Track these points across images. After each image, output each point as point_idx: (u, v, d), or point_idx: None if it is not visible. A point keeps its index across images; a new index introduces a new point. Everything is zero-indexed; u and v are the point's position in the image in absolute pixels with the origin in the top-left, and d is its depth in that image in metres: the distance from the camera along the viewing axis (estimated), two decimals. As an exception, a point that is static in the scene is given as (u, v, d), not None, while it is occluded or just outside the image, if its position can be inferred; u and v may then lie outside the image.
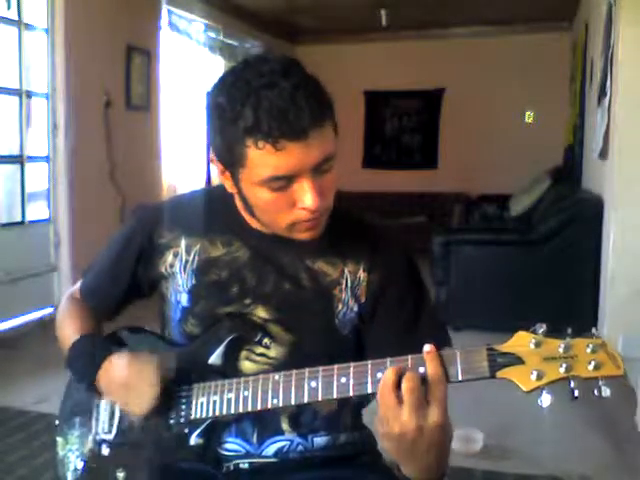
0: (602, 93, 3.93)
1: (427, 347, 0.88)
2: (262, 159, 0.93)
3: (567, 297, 3.98)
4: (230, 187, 1.04)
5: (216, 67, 6.42)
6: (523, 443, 2.67)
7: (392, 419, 0.86)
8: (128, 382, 1.04)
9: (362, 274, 1.10)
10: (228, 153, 0.97)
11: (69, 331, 1.18)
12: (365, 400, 1.17)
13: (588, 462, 2.53)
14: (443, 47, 7.62)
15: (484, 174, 7.39)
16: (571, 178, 5.51)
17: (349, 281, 1.09)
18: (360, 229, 1.15)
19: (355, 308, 1.10)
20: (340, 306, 1.09)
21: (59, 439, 1.18)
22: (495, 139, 7.45)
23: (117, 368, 1.06)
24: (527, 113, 7.41)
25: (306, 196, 0.95)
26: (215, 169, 1.04)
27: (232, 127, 0.93)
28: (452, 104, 7.73)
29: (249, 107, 0.91)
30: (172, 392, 1.06)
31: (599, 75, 4.13)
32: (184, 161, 6.05)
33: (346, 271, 1.10)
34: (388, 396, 0.86)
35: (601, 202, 3.92)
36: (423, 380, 0.86)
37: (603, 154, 3.89)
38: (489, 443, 2.61)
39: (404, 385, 0.85)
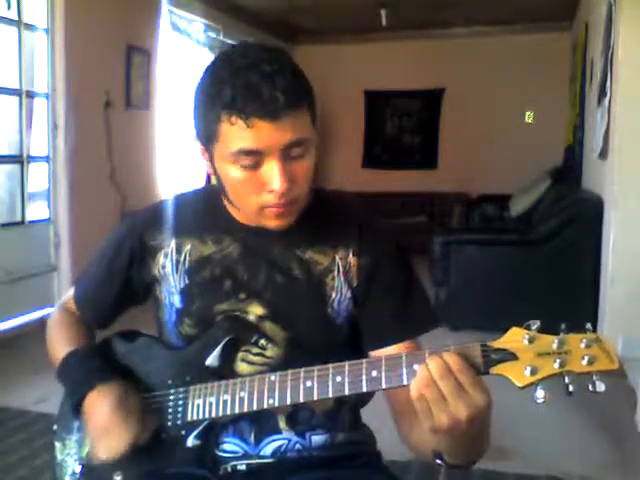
0: (602, 93, 3.93)
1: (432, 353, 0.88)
2: (233, 133, 0.95)
3: (567, 297, 3.98)
4: (209, 169, 1.06)
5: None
6: (523, 443, 2.67)
7: (438, 412, 0.86)
8: (103, 427, 1.03)
9: (352, 259, 1.10)
10: (205, 129, 1.00)
11: (60, 343, 1.17)
12: (364, 399, 1.17)
13: (588, 462, 2.53)
14: (443, 47, 7.62)
15: (484, 174, 7.39)
16: (571, 178, 5.50)
17: (340, 267, 1.10)
18: (347, 215, 1.15)
19: (348, 294, 1.10)
20: (333, 294, 1.09)
21: (57, 444, 1.18)
22: (495, 139, 7.45)
23: (98, 406, 1.05)
24: (527, 113, 7.41)
25: (274, 178, 0.97)
26: (198, 152, 1.07)
27: (210, 103, 0.97)
28: (452, 104, 7.73)
29: (228, 85, 0.95)
30: (150, 440, 1.06)
31: (599, 75, 4.13)
32: (184, 161, 6.05)
33: (337, 258, 1.10)
34: (429, 389, 0.86)
35: (601, 202, 3.92)
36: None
37: (603, 154, 3.89)
38: (489, 443, 2.60)
39: (435, 374, 0.85)
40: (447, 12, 6.75)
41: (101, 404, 1.05)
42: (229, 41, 6.57)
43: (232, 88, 0.94)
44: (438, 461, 0.95)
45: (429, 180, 7.82)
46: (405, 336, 1.08)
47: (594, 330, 0.87)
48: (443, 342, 1.17)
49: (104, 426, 1.03)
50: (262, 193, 0.99)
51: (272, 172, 0.97)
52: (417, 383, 0.87)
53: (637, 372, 2.77)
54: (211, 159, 1.03)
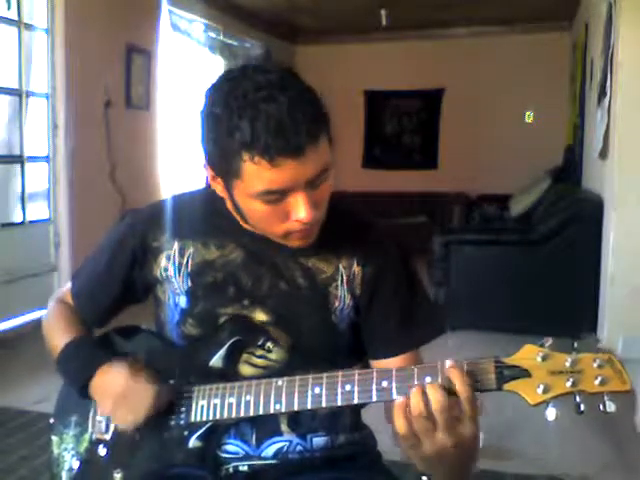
0: (602, 93, 3.93)
1: (449, 362, 0.88)
2: (258, 173, 0.92)
3: (567, 297, 3.98)
4: (221, 192, 1.04)
5: (216, 67, 6.42)
6: (523, 443, 2.67)
7: (426, 441, 0.86)
8: (121, 394, 1.03)
9: (356, 268, 1.10)
10: (223, 163, 0.96)
11: (59, 333, 1.16)
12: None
13: (588, 462, 2.53)
14: (443, 47, 7.62)
15: (484, 174, 7.39)
16: (571, 178, 5.51)
17: (344, 276, 1.09)
18: (351, 223, 1.15)
19: (351, 303, 1.10)
20: (337, 302, 1.09)
21: (54, 438, 1.18)
22: (495, 139, 7.45)
23: (111, 378, 1.05)
24: (527, 113, 7.41)
25: (300, 209, 0.96)
26: (208, 177, 1.04)
27: (228, 139, 0.92)
28: (452, 104, 7.73)
29: (246, 120, 0.90)
30: (168, 407, 1.05)
31: (599, 75, 4.13)
32: (184, 161, 6.05)
33: (341, 267, 1.10)
34: (418, 420, 0.86)
35: (601, 202, 3.92)
36: (448, 392, 0.86)
37: (603, 154, 3.89)
38: (489, 443, 2.60)
39: (434, 406, 0.85)
40: (447, 12, 6.75)
41: (112, 376, 1.05)
42: (229, 41, 6.58)
43: (250, 125, 0.90)
44: (424, 478, 0.95)
45: (429, 180, 7.81)
46: (408, 347, 1.08)
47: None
48: (444, 342, 1.17)
49: (121, 392, 1.03)
50: (287, 221, 0.99)
51: (298, 204, 0.96)
52: (415, 412, 0.86)
53: (637, 373, 2.77)
54: (229, 190, 1.01)
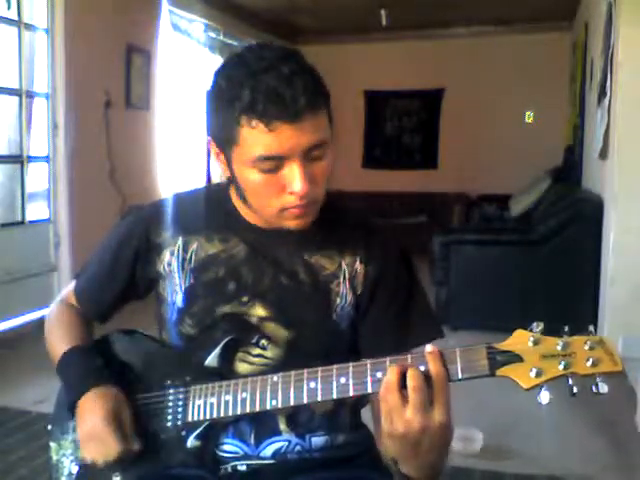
0: (602, 93, 3.93)
1: (429, 347, 0.88)
2: (254, 138, 0.94)
3: (567, 297, 3.98)
4: (224, 171, 1.05)
5: (216, 67, 6.42)
6: (523, 443, 2.67)
7: (396, 418, 0.86)
8: (89, 435, 1.03)
9: (359, 266, 1.10)
10: (223, 132, 0.99)
11: (57, 342, 1.16)
12: (364, 400, 1.17)
13: (588, 462, 2.53)
14: (443, 47, 7.62)
15: (484, 174, 7.39)
16: (571, 178, 5.51)
17: (347, 274, 1.10)
18: (355, 221, 1.15)
19: (352, 301, 1.10)
20: (338, 300, 1.09)
21: (52, 444, 1.17)
22: (495, 139, 7.45)
23: (88, 412, 1.04)
24: (527, 113, 7.41)
25: (295, 181, 0.96)
26: (212, 154, 1.06)
27: (229, 106, 0.95)
28: (452, 104, 7.73)
29: (247, 88, 0.93)
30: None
31: (599, 75, 4.13)
32: (184, 161, 6.05)
33: (343, 264, 1.10)
34: (392, 395, 0.86)
35: (601, 202, 3.92)
36: (426, 379, 0.86)
37: (603, 154, 3.89)
38: (489, 443, 2.61)
39: (409, 383, 0.85)
40: (447, 12, 6.75)
41: (92, 410, 1.04)
42: (229, 41, 6.58)
43: (251, 91, 0.93)
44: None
45: (429, 180, 7.81)
46: (402, 348, 1.08)
47: (595, 330, 0.88)
48: (444, 342, 1.17)
49: (93, 432, 1.03)
50: (283, 195, 0.99)
51: (293, 175, 0.96)
52: (385, 387, 0.87)
53: (637, 372, 2.77)
54: (228, 162, 1.02)
